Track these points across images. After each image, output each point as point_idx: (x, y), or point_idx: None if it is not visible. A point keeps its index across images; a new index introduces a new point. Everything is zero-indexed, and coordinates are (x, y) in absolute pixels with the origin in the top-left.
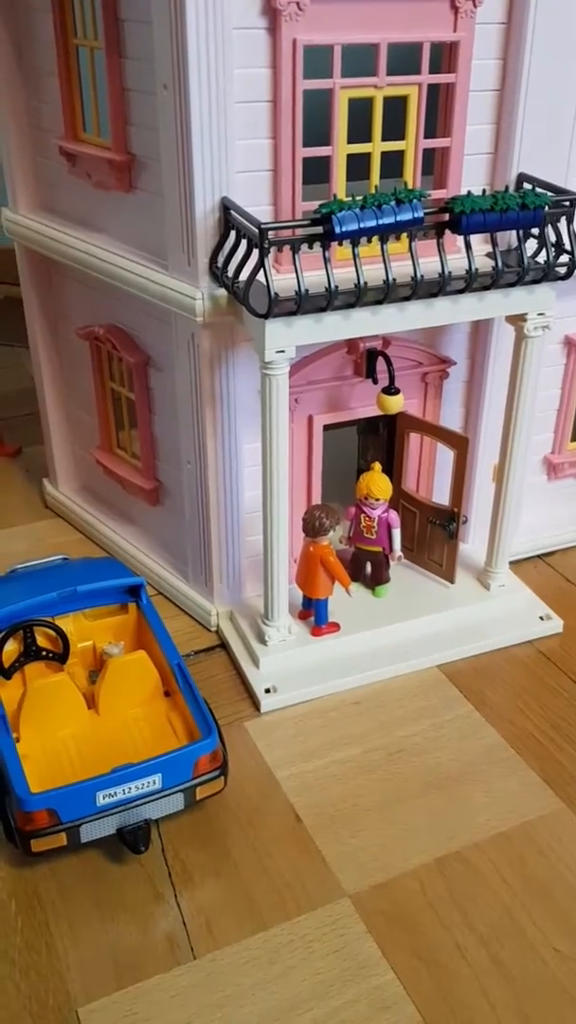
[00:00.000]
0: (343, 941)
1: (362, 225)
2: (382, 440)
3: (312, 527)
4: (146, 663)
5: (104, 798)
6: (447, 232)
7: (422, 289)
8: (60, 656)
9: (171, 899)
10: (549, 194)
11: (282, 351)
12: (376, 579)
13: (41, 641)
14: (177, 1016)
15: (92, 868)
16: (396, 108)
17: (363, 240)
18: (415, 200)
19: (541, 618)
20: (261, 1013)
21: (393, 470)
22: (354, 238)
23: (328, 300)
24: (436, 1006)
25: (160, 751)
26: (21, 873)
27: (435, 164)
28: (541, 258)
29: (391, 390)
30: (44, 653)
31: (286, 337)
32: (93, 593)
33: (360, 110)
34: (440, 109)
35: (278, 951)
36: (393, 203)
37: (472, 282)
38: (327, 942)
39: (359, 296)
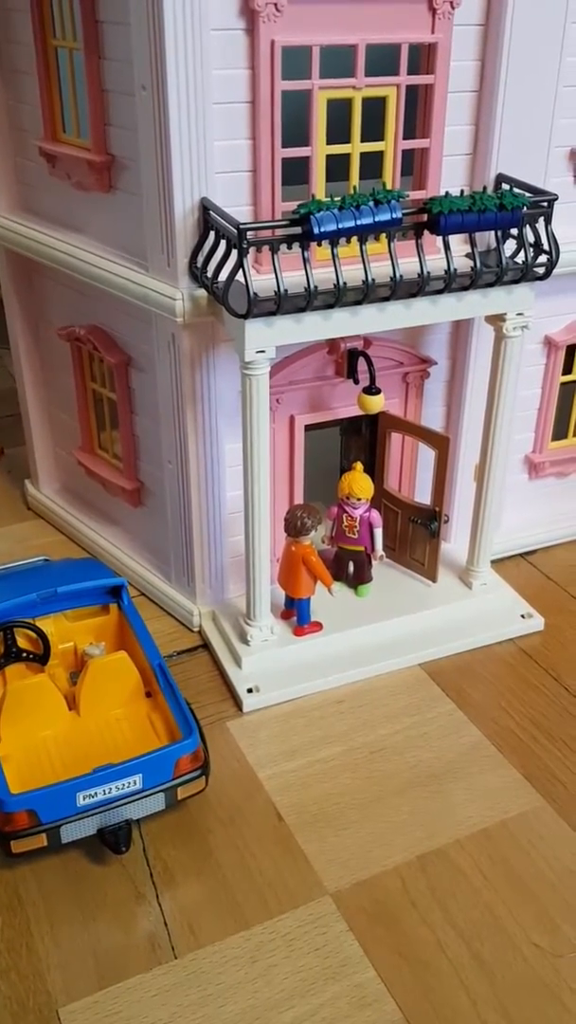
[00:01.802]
0: (324, 939)
1: (341, 226)
2: (364, 440)
3: (294, 527)
4: (127, 664)
5: (84, 799)
6: (426, 233)
7: (401, 289)
8: (41, 657)
9: (152, 899)
10: (527, 195)
11: (262, 351)
12: (358, 578)
13: (22, 642)
14: (158, 1015)
15: (73, 869)
16: (375, 109)
17: (342, 241)
18: (393, 201)
19: (522, 616)
20: (242, 1012)
21: (375, 470)
22: (333, 238)
23: (307, 300)
24: (417, 1003)
25: (141, 751)
26: (1, 874)
27: (414, 165)
28: (520, 258)
29: (372, 390)
30: (25, 654)
31: (266, 337)
32: (74, 594)
33: (339, 111)
34: (419, 110)
35: (259, 950)
36: (371, 204)
37: (451, 282)
38: (308, 940)
39: (338, 296)
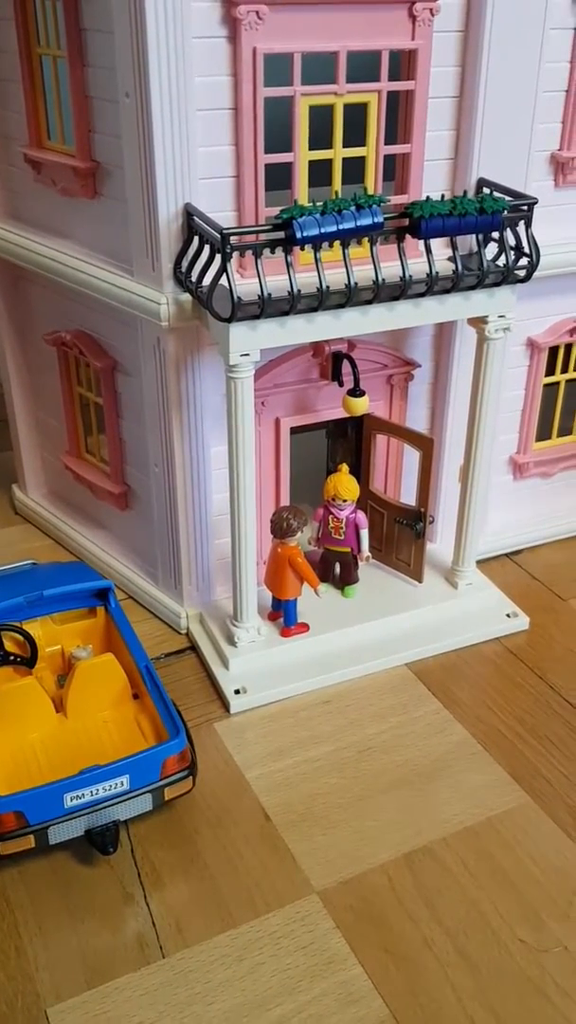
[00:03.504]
0: (311, 937)
1: (323, 230)
2: (350, 442)
3: (280, 528)
4: (114, 666)
5: (72, 800)
6: (408, 236)
7: (384, 293)
8: (28, 660)
9: (140, 899)
10: (507, 198)
11: (246, 355)
12: (345, 579)
13: (9, 646)
14: (146, 1014)
15: (61, 870)
16: (357, 115)
17: (325, 245)
18: (375, 205)
19: (508, 616)
20: (230, 1010)
21: (360, 471)
22: (315, 243)
23: (291, 304)
24: (404, 999)
25: (128, 753)
26: None
27: (396, 170)
28: (501, 261)
29: (356, 392)
30: (12, 658)
31: (250, 341)
32: (61, 597)
33: (321, 117)
34: (400, 116)
35: (247, 948)
36: (353, 208)
37: (433, 285)
38: (295, 938)
39: (321, 300)
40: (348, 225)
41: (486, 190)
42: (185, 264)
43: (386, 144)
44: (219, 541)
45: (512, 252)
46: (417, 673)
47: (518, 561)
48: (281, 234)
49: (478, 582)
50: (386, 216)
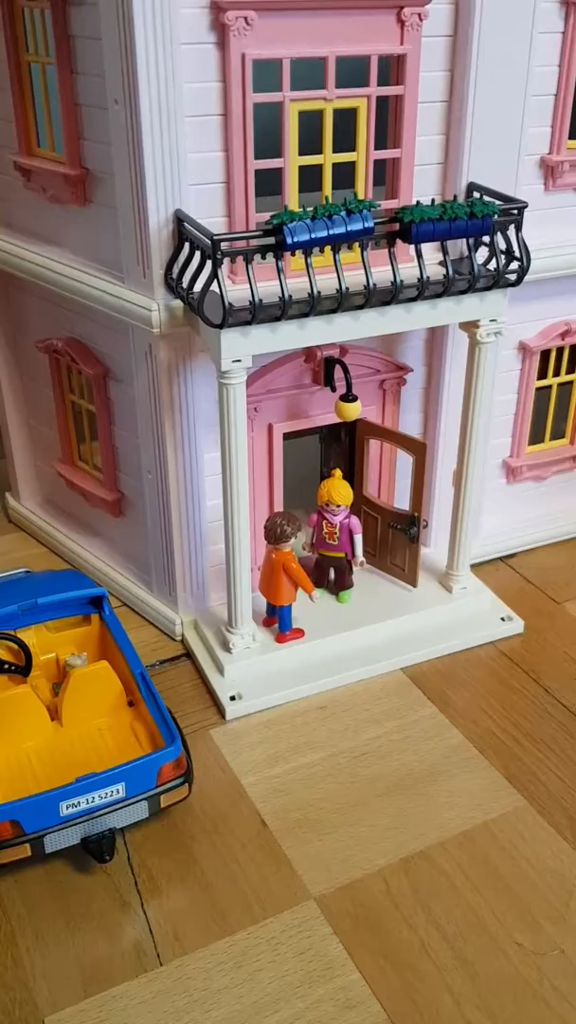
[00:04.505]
0: (309, 943)
1: (313, 235)
2: (344, 447)
3: (274, 534)
4: (109, 673)
5: (67, 808)
6: (398, 241)
7: (375, 298)
8: (23, 669)
9: (137, 907)
10: (497, 202)
11: (238, 360)
12: (339, 584)
13: (3, 654)
14: (145, 1022)
15: (58, 879)
16: (346, 120)
17: (316, 250)
18: (365, 210)
19: (502, 619)
20: (227, 1017)
21: (354, 476)
22: (306, 248)
23: (282, 309)
24: (402, 1004)
25: (124, 760)
26: None
27: (386, 175)
28: (492, 266)
29: (348, 397)
30: (6, 666)
31: (241, 347)
32: (54, 605)
33: (311, 122)
34: (390, 121)
35: (244, 955)
36: (343, 214)
37: (424, 290)
38: (293, 944)
39: (313, 305)
40: (339, 230)
41: (476, 194)
42: (176, 270)
43: (376, 149)
44: (213, 547)
45: (503, 256)
46: (412, 678)
47: (512, 565)
48: (272, 240)
49: (472, 586)
50: (376, 221)
